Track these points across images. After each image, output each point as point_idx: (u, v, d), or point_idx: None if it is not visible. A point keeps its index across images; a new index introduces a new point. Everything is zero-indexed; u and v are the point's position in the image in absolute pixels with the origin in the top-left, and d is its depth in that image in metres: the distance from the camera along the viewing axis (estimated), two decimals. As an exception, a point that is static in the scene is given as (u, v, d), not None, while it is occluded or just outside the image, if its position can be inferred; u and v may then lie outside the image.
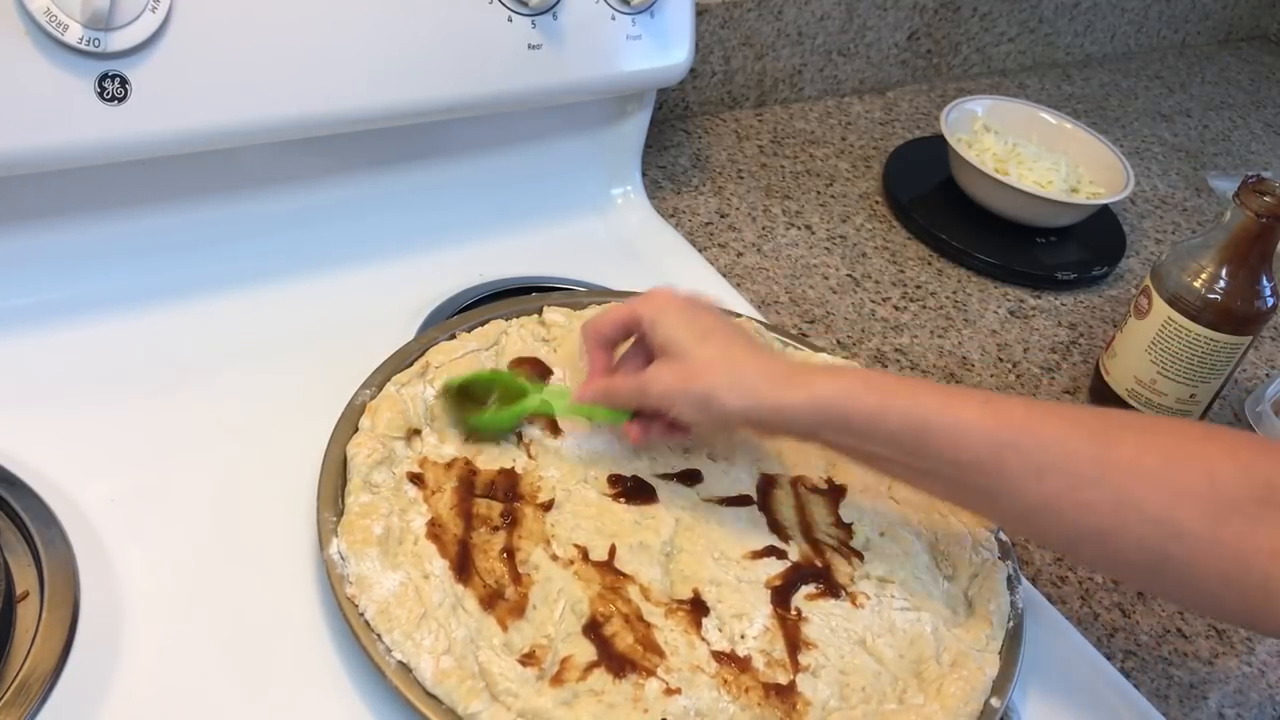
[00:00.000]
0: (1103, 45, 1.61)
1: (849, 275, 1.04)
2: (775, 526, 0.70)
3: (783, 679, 0.61)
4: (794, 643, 0.63)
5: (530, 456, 0.71)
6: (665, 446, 0.73)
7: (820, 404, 0.61)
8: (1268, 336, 1.10)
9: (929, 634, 0.65)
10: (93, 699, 0.57)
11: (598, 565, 0.65)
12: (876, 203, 1.16)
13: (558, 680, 0.58)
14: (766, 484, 0.73)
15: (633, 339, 0.70)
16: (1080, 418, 0.59)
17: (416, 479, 0.66)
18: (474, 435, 0.70)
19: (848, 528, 0.71)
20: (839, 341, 0.96)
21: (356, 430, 0.68)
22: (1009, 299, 1.07)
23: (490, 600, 0.61)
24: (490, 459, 0.69)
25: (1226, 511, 0.53)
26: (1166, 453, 0.55)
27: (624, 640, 0.61)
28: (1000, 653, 0.65)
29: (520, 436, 0.72)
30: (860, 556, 0.69)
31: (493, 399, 0.71)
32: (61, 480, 0.66)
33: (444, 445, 0.69)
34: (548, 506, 0.67)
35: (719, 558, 0.67)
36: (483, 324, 0.79)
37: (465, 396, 0.71)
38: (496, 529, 0.65)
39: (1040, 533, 0.62)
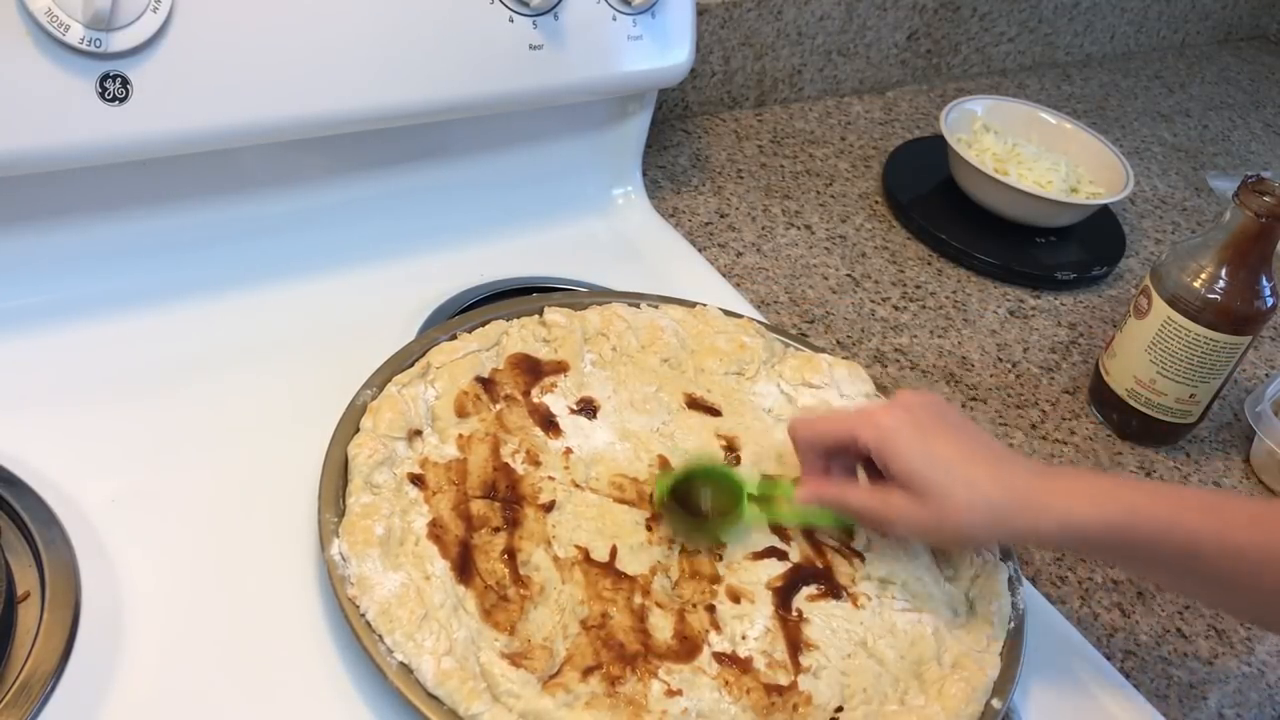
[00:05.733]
0: (1102, 45, 1.61)
1: (849, 275, 1.05)
2: (776, 527, 0.70)
3: (784, 680, 0.61)
4: (795, 644, 0.63)
5: (531, 459, 0.71)
6: (660, 444, 0.73)
7: (1072, 531, 0.60)
8: (1268, 336, 1.10)
9: (930, 635, 0.65)
10: (94, 699, 0.57)
11: (599, 566, 0.65)
12: (876, 203, 1.16)
13: (559, 681, 0.58)
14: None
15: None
16: None
17: (417, 479, 0.66)
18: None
19: (849, 529, 0.71)
20: (839, 341, 0.96)
21: (358, 431, 0.68)
22: (1009, 299, 1.07)
23: (492, 601, 0.61)
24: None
25: None
26: None
27: (625, 641, 0.61)
28: (1001, 654, 0.65)
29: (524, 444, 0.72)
30: (861, 557, 0.69)
31: (705, 496, 0.68)
32: (62, 480, 0.66)
33: (445, 446, 0.69)
34: (549, 507, 0.67)
35: (720, 559, 0.67)
36: (483, 324, 0.79)
37: (677, 498, 0.68)
38: (498, 530, 0.65)
39: None
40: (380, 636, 0.58)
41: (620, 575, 0.65)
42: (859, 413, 0.67)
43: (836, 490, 0.66)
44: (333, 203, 0.89)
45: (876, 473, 0.65)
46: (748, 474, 0.72)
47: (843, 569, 0.68)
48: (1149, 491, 0.62)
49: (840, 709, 0.61)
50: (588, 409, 0.75)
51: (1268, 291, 0.84)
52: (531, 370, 0.76)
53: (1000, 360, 0.99)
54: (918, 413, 0.63)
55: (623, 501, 0.69)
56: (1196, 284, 0.84)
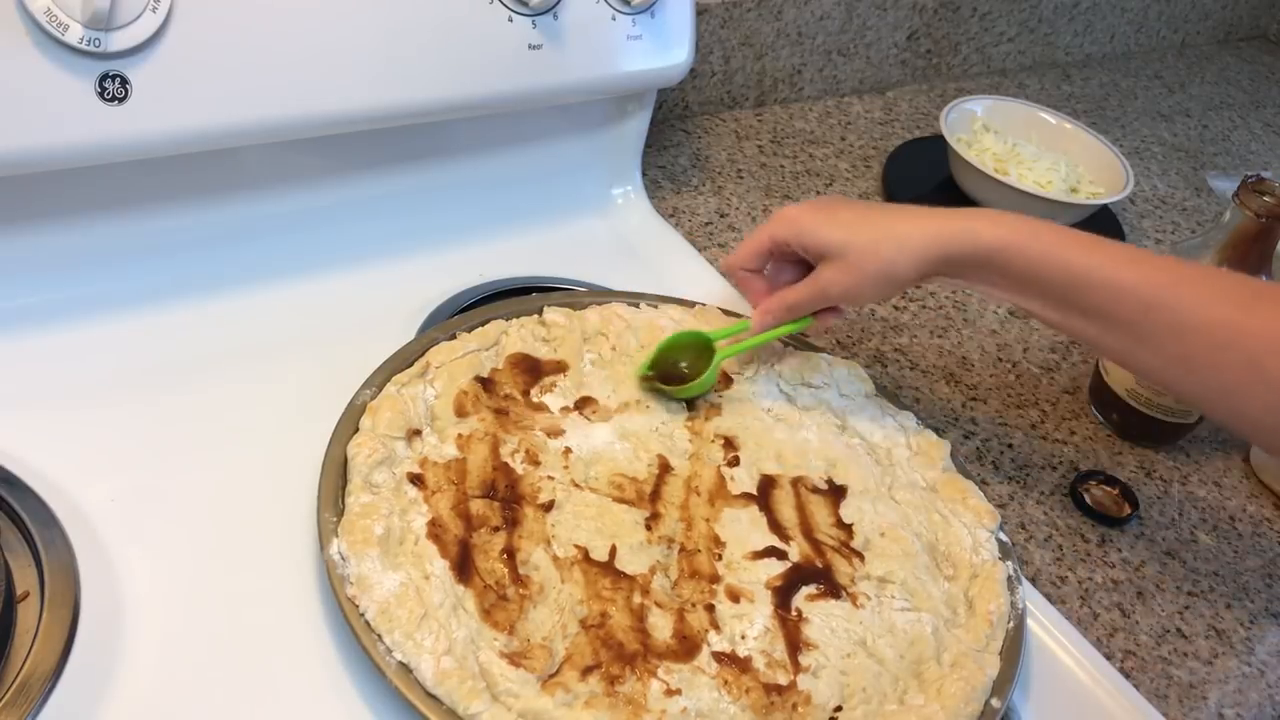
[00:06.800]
0: (1102, 45, 1.61)
1: (849, 275, 1.04)
2: (775, 527, 0.70)
3: (783, 679, 0.61)
4: (794, 643, 0.63)
5: (531, 458, 0.71)
6: (659, 443, 0.73)
7: (984, 250, 0.66)
8: (1267, 337, 1.09)
9: (929, 634, 0.65)
10: (93, 699, 0.57)
11: (598, 565, 0.65)
12: (876, 203, 1.16)
13: (558, 681, 0.58)
14: (767, 484, 0.73)
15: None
16: (1226, 285, 0.64)
17: (417, 479, 0.66)
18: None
19: (848, 528, 0.71)
20: (839, 341, 0.96)
21: (357, 430, 0.68)
22: (1009, 299, 1.07)
23: (491, 600, 0.61)
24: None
25: None
26: None
27: (625, 640, 0.61)
28: (1000, 653, 0.65)
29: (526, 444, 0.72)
30: (861, 557, 0.69)
31: (683, 363, 0.77)
32: (62, 480, 0.66)
33: (444, 445, 0.69)
34: (548, 507, 0.67)
35: (719, 558, 0.67)
36: (483, 324, 0.79)
37: (657, 369, 0.77)
38: (497, 529, 0.65)
39: (1175, 385, 0.67)
40: (379, 636, 0.58)
41: (620, 575, 0.65)
42: (771, 219, 0.74)
43: (777, 298, 0.74)
44: (332, 203, 0.89)
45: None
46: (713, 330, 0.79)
47: (842, 568, 0.68)
48: (1059, 230, 0.67)
49: (839, 708, 0.61)
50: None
51: (1267, 291, 0.84)
52: (531, 370, 0.76)
53: (1000, 360, 0.99)
54: (816, 201, 0.73)
55: (622, 501, 0.69)
56: (1196, 284, 0.84)
